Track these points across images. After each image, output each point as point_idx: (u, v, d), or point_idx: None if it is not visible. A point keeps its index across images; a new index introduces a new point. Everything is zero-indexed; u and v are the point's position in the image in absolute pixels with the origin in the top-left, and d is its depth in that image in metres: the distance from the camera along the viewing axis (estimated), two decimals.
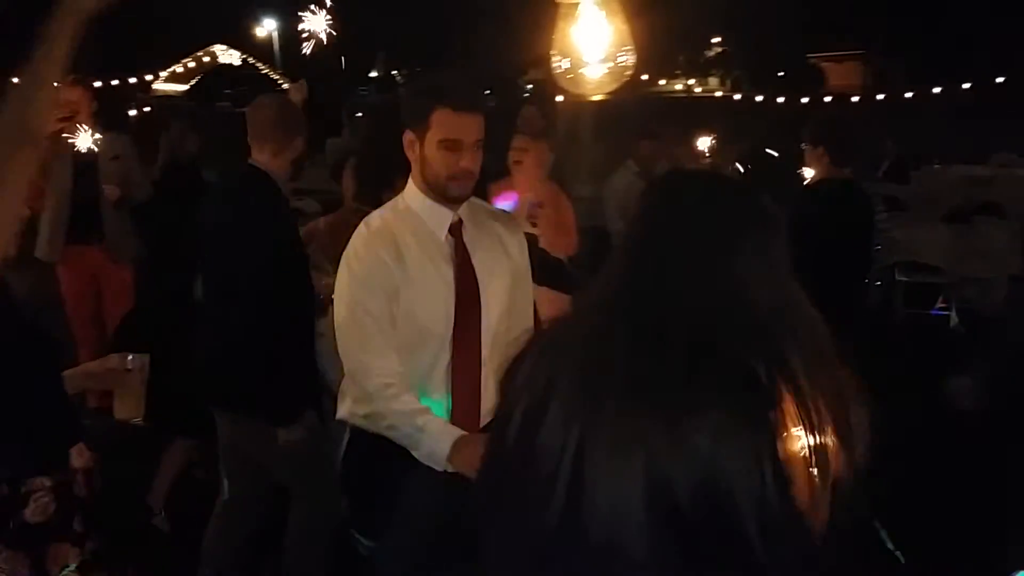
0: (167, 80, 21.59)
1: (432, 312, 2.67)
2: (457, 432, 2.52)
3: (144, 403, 4.54)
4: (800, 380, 1.39)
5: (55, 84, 2.01)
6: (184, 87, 22.22)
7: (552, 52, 2.97)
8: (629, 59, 2.95)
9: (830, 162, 4.79)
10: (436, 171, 2.62)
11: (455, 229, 2.72)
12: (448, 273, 2.68)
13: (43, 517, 2.34)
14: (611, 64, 2.93)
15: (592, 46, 2.92)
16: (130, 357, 4.89)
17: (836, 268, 4.65)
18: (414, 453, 2.52)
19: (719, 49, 34.02)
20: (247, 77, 23.20)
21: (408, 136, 2.65)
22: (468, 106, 2.59)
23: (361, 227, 2.71)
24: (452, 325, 2.68)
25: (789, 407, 1.36)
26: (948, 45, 23.09)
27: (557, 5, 2.94)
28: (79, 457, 2.51)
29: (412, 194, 2.72)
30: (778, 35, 27.14)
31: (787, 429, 1.36)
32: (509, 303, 2.79)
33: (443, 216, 2.71)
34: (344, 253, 2.69)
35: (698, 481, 1.32)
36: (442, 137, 2.57)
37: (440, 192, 2.67)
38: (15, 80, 1.94)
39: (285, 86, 14.02)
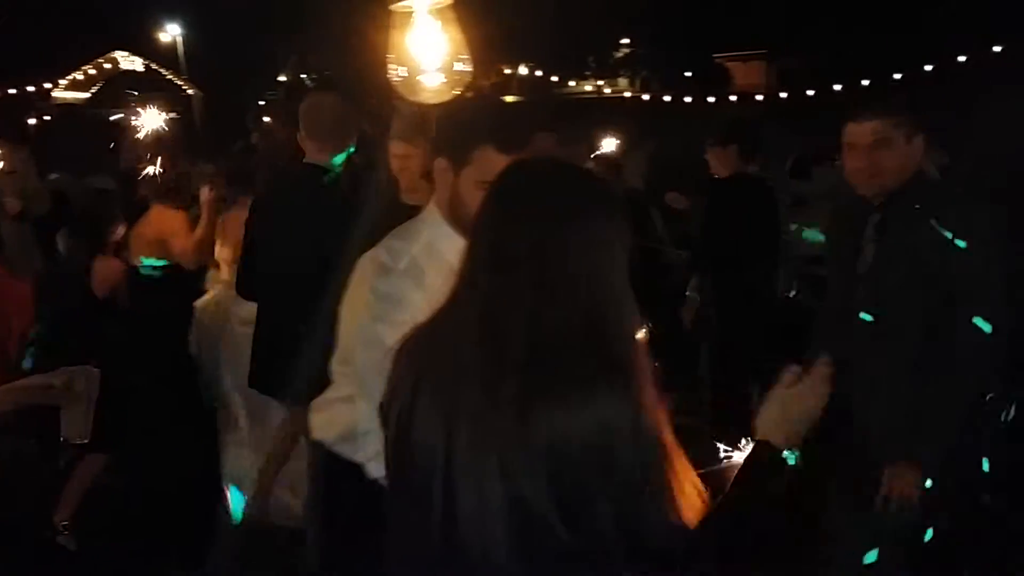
0: (67, 88, 21.06)
1: None
2: None
3: (92, 421, 4.38)
4: (635, 380, 1.40)
5: None
6: (85, 95, 21.71)
7: (389, 59, 2.92)
8: (466, 67, 2.93)
9: (739, 159, 4.96)
10: (470, 211, 2.24)
11: None
12: None
13: None
14: (448, 72, 2.90)
15: (428, 54, 2.88)
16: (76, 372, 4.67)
17: (749, 260, 4.85)
18: None
19: (627, 50, 34.44)
20: (151, 83, 22.74)
21: (440, 163, 2.37)
22: (517, 148, 2.29)
23: (385, 260, 2.40)
24: None
25: (630, 403, 1.38)
26: (849, 45, 23.76)
27: (391, 13, 2.89)
28: None
29: (435, 226, 2.42)
30: (684, 36, 27.60)
31: (628, 425, 1.36)
32: None
33: None
34: (360, 287, 2.43)
35: (546, 482, 1.33)
36: (482, 179, 2.23)
37: (469, 231, 2.42)
38: None
39: (190, 92, 13.82)
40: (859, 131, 2.73)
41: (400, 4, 2.81)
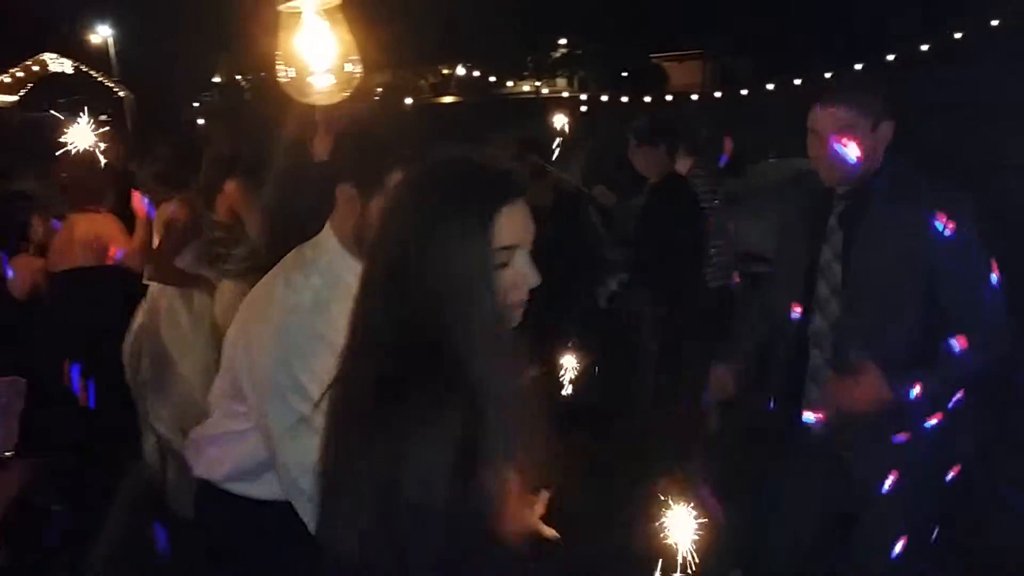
0: None
1: None
2: None
3: (19, 432, 4.25)
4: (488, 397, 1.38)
5: None
6: (13, 98, 21.25)
7: (277, 60, 2.87)
8: (356, 68, 2.89)
9: (668, 159, 5.00)
10: None
11: None
12: None
13: None
14: (337, 74, 2.86)
15: (317, 56, 2.83)
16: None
17: (678, 261, 4.90)
18: None
19: (565, 50, 34.53)
20: (81, 85, 22.28)
21: (346, 190, 2.19)
22: None
23: (289, 297, 2.19)
24: None
25: (440, 439, 1.34)
26: (784, 44, 24.11)
27: (279, 14, 2.83)
28: None
29: (338, 255, 2.25)
30: (621, 36, 27.78)
31: (468, 449, 1.34)
32: None
33: None
34: (254, 318, 2.23)
35: (384, 497, 1.32)
36: None
37: None
38: None
39: (121, 94, 13.60)
40: (822, 117, 2.68)
41: (287, 5, 2.76)
